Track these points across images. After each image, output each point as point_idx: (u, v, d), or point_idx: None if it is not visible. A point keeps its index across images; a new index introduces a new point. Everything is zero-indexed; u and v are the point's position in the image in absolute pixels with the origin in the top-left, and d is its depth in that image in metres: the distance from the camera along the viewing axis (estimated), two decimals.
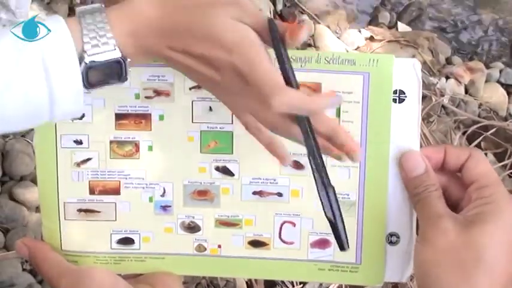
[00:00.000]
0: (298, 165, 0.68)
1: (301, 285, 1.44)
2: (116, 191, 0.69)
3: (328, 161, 0.66)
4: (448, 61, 2.13)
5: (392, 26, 2.19)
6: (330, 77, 0.66)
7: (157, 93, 0.68)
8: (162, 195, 0.69)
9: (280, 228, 0.69)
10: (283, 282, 1.46)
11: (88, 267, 0.69)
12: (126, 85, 0.67)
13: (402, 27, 2.19)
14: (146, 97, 0.68)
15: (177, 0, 0.61)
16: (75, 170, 0.68)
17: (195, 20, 0.59)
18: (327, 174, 0.60)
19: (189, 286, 1.37)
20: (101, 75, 0.60)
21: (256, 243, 0.70)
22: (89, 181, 0.69)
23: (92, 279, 0.65)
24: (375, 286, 0.71)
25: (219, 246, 0.70)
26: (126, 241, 0.70)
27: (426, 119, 1.83)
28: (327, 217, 0.60)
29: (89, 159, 0.69)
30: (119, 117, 0.68)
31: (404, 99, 0.67)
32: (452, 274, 0.60)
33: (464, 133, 1.84)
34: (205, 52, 0.59)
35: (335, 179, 0.67)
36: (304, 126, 0.58)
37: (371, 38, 2.09)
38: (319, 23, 2.07)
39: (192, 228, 0.70)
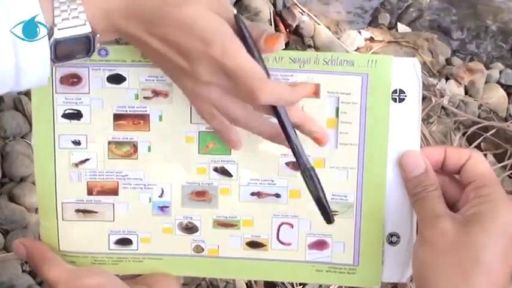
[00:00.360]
0: (296, 166, 0.68)
1: (301, 286, 1.44)
2: (114, 192, 0.69)
3: (327, 164, 0.67)
4: (448, 62, 2.13)
5: (392, 27, 2.19)
6: (328, 78, 0.66)
7: (156, 93, 0.68)
8: (160, 196, 0.69)
9: (278, 230, 0.69)
10: (283, 283, 1.46)
11: (86, 268, 0.69)
12: (125, 86, 0.67)
13: (402, 28, 2.19)
14: (145, 97, 0.68)
15: None
16: (73, 170, 0.68)
17: (173, 7, 0.59)
18: (307, 157, 0.63)
19: (189, 287, 1.37)
20: (69, 49, 0.60)
21: (254, 244, 0.70)
22: (87, 181, 0.69)
23: (91, 279, 0.65)
24: (372, 287, 0.71)
25: (217, 247, 0.70)
26: (124, 242, 0.70)
27: (426, 119, 1.83)
28: (314, 197, 0.63)
29: (87, 160, 0.69)
30: (118, 117, 0.68)
31: (404, 99, 0.67)
32: (451, 274, 0.60)
33: (464, 134, 1.84)
34: (180, 40, 0.59)
35: (333, 181, 0.68)
36: (283, 115, 0.61)
37: (371, 39, 2.09)
38: (318, 24, 2.07)
39: (189, 229, 0.70)
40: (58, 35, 0.59)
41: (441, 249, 0.61)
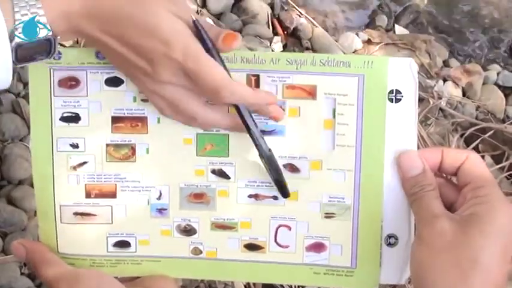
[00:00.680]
0: (293, 169, 0.68)
1: None
2: (112, 194, 0.69)
3: (324, 166, 0.67)
4: (446, 64, 2.14)
5: (389, 29, 2.19)
6: (325, 79, 0.66)
7: None
8: (158, 198, 0.69)
9: (276, 232, 0.69)
10: (281, 285, 1.46)
11: (86, 270, 0.69)
12: (123, 88, 0.68)
13: (399, 30, 2.19)
14: (142, 100, 0.68)
15: None
16: (71, 173, 0.68)
17: (134, 8, 0.60)
18: (266, 145, 0.66)
19: None
20: (30, 51, 0.60)
21: (251, 247, 0.70)
22: (85, 184, 0.69)
23: (90, 281, 0.65)
24: None
25: (215, 250, 0.70)
26: (123, 244, 0.70)
27: (424, 121, 1.83)
28: (274, 179, 0.67)
29: (85, 163, 0.69)
30: (116, 120, 0.68)
31: (400, 99, 0.67)
32: (449, 275, 0.60)
33: (462, 135, 1.84)
34: (141, 42, 0.60)
35: (330, 183, 0.68)
36: (242, 109, 0.64)
37: (368, 41, 2.10)
38: (316, 27, 2.08)
39: (187, 231, 0.70)
40: (19, 38, 0.59)
41: (439, 250, 0.61)
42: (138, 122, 0.68)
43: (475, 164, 0.65)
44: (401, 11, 2.28)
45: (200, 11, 1.96)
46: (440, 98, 1.94)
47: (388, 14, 2.25)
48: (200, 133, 0.68)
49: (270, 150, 0.66)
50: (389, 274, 0.69)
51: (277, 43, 1.99)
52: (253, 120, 0.65)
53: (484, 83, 2.09)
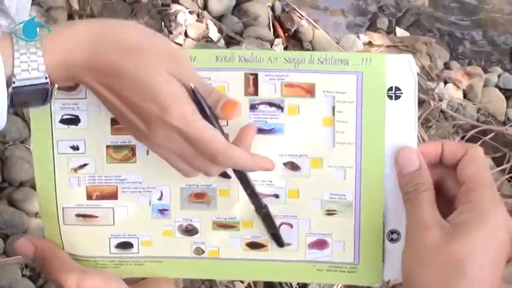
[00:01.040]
0: (294, 167, 0.68)
1: (300, 286, 1.45)
2: (114, 196, 0.69)
3: (324, 163, 0.67)
4: (447, 66, 2.14)
5: (390, 32, 2.20)
6: (323, 77, 0.66)
7: None
8: (160, 199, 0.69)
9: (278, 230, 0.70)
10: (280, 284, 1.46)
11: (94, 269, 0.69)
12: None
13: (400, 32, 2.19)
14: None
15: (118, 39, 0.61)
16: (72, 175, 0.69)
17: (135, 67, 0.60)
18: (261, 199, 0.67)
19: None
20: (26, 98, 0.60)
21: (254, 245, 0.70)
22: (86, 186, 0.69)
23: (97, 280, 0.65)
24: (374, 286, 0.70)
25: (218, 249, 0.70)
26: (125, 245, 0.70)
27: (425, 123, 1.83)
28: (269, 232, 0.68)
29: (85, 165, 0.69)
30: (115, 122, 0.68)
31: (400, 96, 0.66)
32: (436, 286, 0.60)
33: (462, 138, 1.85)
34: (138, 102, 0.60)
35: (331, 180, 0.68)
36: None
37: (369, 44, 2.10)
38: (317, 29, 2.08)
39: (189, 231, 0.70)
40: (16, 85, 0.59)
41: (426, 262, 0.60)
42: None
43: (472, 161, 0.64)
44: (402, 14, 2.28)
45: (201, 13, 1.96)
46: (441, 100, 1.94)
47: (389, 16, 2.25)
48: None
49: (265, 206, 0.67)
50: (392, 270, 0.69)
51: (278, 45, 1.99)
52: (249, 179, 0.66)
53: (484, 85, 2.09)
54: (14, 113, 1.59)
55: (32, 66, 0.59)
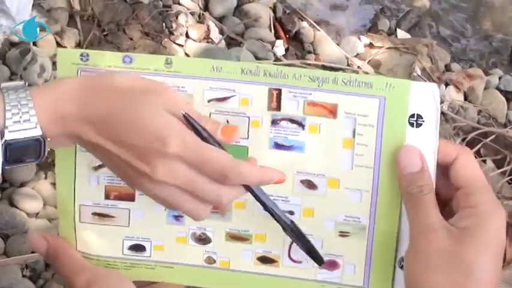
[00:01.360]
0: (311, 185, 0.68)
1: None
2: (131, 198, 0.70)
3: (342, 185, 0.67)
4: (448, 68, 2.14)
5: (391, 33, 2.20)
6: (346, 98, 0.66)
7: None
8: None
9: (290, 246, 0.69)
10: None
11: (106, 269, 0.70)
12: None
13: (401, 34, 2.19)
14: None
15: (108, 85, 0.62)
16: (92, 174, 0.69)
17: (128, 108, 0.60)
18: (285, 216, 0.66)
19: None
20: (19, 152, 0.60)
21: (265, 260, 0.70)
22: (105, 186, 0.70)
23: (108, 282, 0.66)
24: None
25: (229, 260, 0.70)
26: (138, 248, 0.70)
27: None
28: (305, 248, 0.67)
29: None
30: None
31: (421, 124, 0.66)
32: None
33: (463, 140, 1.85)
34: (137, 142, 0.60)
35: (346, 202, 0.68)
36: (255, 188, 0.64)
37: (370, 45, 2.10)
38: (318, 30, 2.08)
39: (202, 239, 0.70)
40: (8, 137, 0.59)
41: (435, 267, 0.61)
42: None
43: (466, 165, 0.65)
44: (403, 15, 2.28)
45: (202, 14, 1.96)
46: (442, 102, 1.94)
47: (390, 18, 2.25)
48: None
49: (292, 222, 0.66)
50: None
51: (279, 47, 1.99)
52: (268, 196, 0.65)
53: (485, 88, 2.09)
54: None
55: (23, 118, 0.59)
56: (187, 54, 1.88)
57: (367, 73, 2.00)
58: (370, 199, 0.67)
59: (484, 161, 1.83)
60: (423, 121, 0.66)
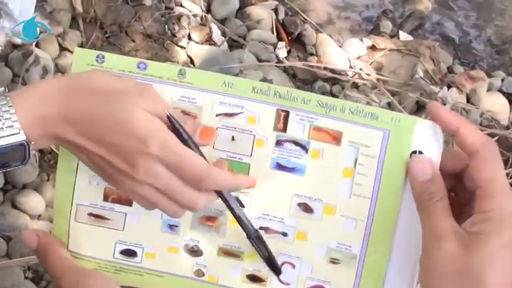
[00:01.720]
0: (307, 209, 0.68)
1: None
2: (128, 202, 0.70)
3: (337, 212, 0.68)
4: (450, 70, 2.14)
5: (394, 35, 2.20)
6: (351, 127, 0.67)
7: (185, 114, 0.68)
8: None
9: (280, 267, 0.69)
10: None
11: (93, 271, 0.70)
12: None
13: (404, 36, 2.19)
14: None
15: (88, 85, 0.62)
16: (93, 174, 0.69)
17: (109, 108, 0.61)
18: (252, 225, 0.68)
19: None
20: (5, 157, 0.61)
21: (253, 278, 0.70)
22: (105, 188, 0.70)
23: (95, 283, 0.66)
24: None
25: (218, 275, 0.70)
26: (129, 253, 0.71)
27: None
28: (264, 257, 0.68)
29: None
30: None
31: None
32: None
33: None
34: (118, 141, 0.61)
35: (340, 229, 0.68)
36: (225, 193, 0.66)
37: (373, 47, 2.10)
38: (321, 32, 2.08)
39: (194, 251, 0.70)
40: None
41: (446, 272, 0.60)
42: None
43: (487, 162, 0.63)
44: (405, 17, 2.29)
45: (205, 16, 1.97)
46: (444, 104, 1.94)
47: (393, 20, 2.25)
48: (222, 158, 0.68)
49: (256, 231, 0.68)
50: None
51: (282, 49, 1.99)
52: (237, 202, 0.67)
53: (488, 90, 2.09)
54: None
55: (6, 124, 0.60)
56: (189, 57, 1.89)
57: (369, 75, 2.00)
58: (364, 229, 0.68)
59: None
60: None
